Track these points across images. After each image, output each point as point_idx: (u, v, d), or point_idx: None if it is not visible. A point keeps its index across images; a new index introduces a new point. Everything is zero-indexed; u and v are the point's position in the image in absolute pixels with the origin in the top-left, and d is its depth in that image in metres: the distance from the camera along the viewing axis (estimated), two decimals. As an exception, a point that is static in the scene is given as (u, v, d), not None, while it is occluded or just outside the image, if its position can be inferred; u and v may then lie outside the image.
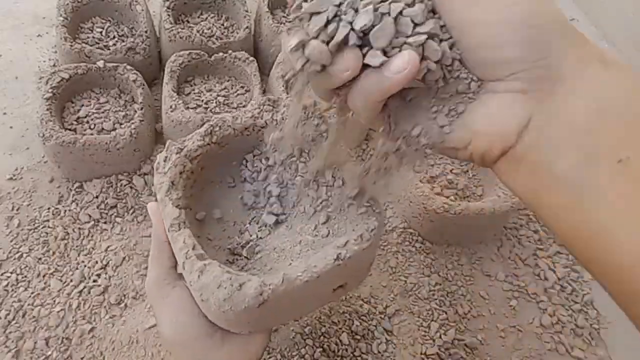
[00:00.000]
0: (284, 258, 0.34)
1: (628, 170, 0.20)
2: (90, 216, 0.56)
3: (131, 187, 0.59)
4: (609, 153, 0.21)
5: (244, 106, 0.64)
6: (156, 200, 0.35)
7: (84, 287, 0.52)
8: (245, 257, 0.35)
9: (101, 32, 0.68)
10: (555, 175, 0.22)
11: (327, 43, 0.22)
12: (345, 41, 0.22)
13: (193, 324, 0.32)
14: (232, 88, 0.67)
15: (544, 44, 0.21)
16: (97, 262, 0.53)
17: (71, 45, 0.62)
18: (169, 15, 0.68)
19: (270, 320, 0.33)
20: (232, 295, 0.28)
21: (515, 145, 0.23)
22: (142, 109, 0.59)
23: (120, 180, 0.59)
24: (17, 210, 0.56)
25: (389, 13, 0.22)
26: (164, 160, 0.35)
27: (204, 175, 0.37)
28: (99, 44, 0.66)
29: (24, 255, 0.53)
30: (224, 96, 0.65)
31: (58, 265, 0.53)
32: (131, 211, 0.58)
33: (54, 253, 0.54)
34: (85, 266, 0.53)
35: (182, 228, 0.32)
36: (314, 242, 0.35)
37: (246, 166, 0.38)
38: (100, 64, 0.61)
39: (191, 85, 0.66)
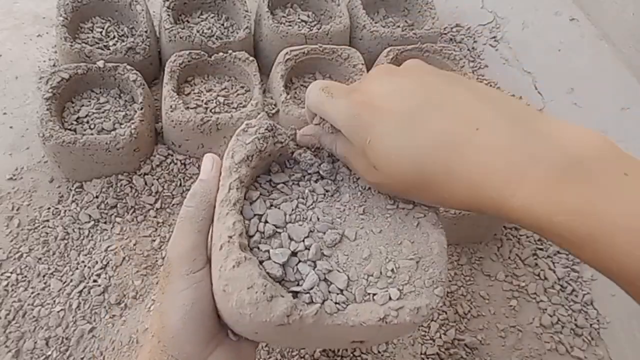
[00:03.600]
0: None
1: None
2: (90, 216, 0.56)
3: (131, 187, 0.59)
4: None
5: (244, 106, 0.64)
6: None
7: (84, 287, 0.52)
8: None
9: (101, 32, 0.68)
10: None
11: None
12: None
13: (203, 322, 0.30)
14: (232, 88, 0.67)
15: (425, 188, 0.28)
16: (97, 262, 0.53)
17: (71, 45, 0.62)
18: (169, 15, 0.68)
19: (276, 339, 0.31)
20: (258, 302, 0.26)
21: None
22: (142, 109, 0.59)
23: (120, 180, 0.59)
24: (17, 210, 0.56)
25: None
26: (249, 128, 0.32)
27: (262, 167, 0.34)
28: (99, 44, 0.66)
29: (24, 255, 0.53)
30: (224, 96, 0.65)
31: (58, 265, 0.53)
32: (131, 211, 0.58)
33: (54, 253, 0.54)
34: (85, 266, 0.53)
35: (236, 208, 0.29)
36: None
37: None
38: (100, 64, 0.61)
39: (191, 85, 0.66)
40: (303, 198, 0.33)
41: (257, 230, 0.30)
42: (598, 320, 0.58)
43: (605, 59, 0.83)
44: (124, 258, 0.54)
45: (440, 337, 0.53)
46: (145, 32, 0.67)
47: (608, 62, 0.83)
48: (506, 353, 0.54)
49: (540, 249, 0.63)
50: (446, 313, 0.55)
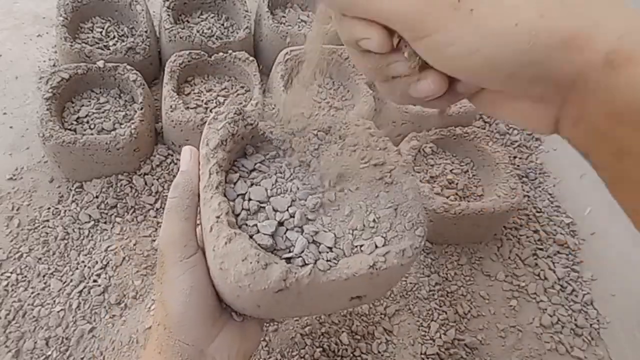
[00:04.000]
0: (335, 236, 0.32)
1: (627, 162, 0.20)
2: (90, 216, 0.56)
3: (131, 187, 0.59)
4: (637, 148, 0.20)
5: (244, 106, 0.64)
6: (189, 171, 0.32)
7: (84, 287, 0.52)
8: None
9: (101, 32, 0.68)
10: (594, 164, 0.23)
11: None
12: None
13: (205, 304, 0.30)
14: (232, 88, 0.67)
15: (523, 75, 0.21)
16: (97, 262, 0.53)
17: (71, 45, 0.62)
18: (169, 15, 0.68)
19: (280, 309, 0.32)
20: (255, 272, 0.27)
21: (555, 132, 0.24)
22: (142, 109, 0.59)
23: (120, 180, 0.59)
24: (17, 210, 0.56)
25: None
26: (219, 115, 0.33)
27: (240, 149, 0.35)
28: (99, 44, 0.66)
29: (24, 255, 0.53)
30: (224, 96, 0.65)
31: (58, 265, 0.53)
32: (131, 211, 0.58)
33: (54, 253, 0.54)
34: (85, 266, 0.53)
35: (219, 190, 0.30)
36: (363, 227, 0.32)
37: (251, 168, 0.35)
38: (100, 64, 0.61)
39: (191, 85, 0.66)
40: (281, 172, 0.34)
41: (243, 209, 0.31)
42: (598, 320, 0.58)
43: (605, 59, 0.83)
44: (124, 258, 0.54)
45: (440, 337, 0.53)
46: (145, 32, 0.67)
47: (608, 62, 0.83)
48: (506, 353, 0.54)
49: (540, 249, 0.63)
50: (446, 313, 0.55)
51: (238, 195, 0.32)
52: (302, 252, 0.30)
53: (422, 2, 0.21)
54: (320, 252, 0.30)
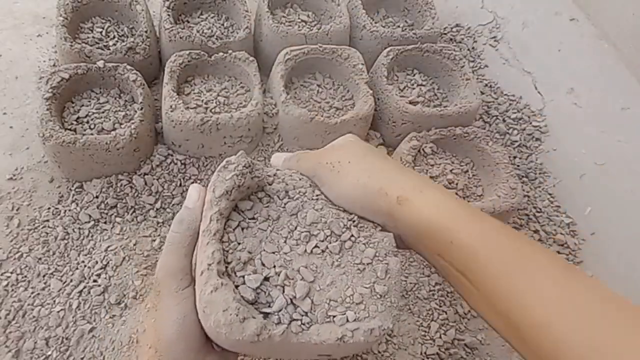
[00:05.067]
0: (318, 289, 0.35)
1: (445, 259, 0.34)
2: (90, 216, 0.56)
3: (131, 187, 0.59)
4: (432, 252, 0.35)
5: (244, 106, 0.64)
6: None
7: (84, 287, 0.52)
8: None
9: (101, 32, 0.68)
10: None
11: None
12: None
13: (193, 333, 0.33)
14: (232, 88, 0.67)
15: (364, 205, 0.37)
16: (97, 262, 0.53)
17: (71, 45, 0.62)
18: (169, 15, 0.68)
19: (252, 352, 0.36)
20: (232, 323, 0.30)
21: None
22: (142, 109, 0.59)
23: (120, 180, 0.59)
24: (17, 210, 0.56)
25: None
26: (229, 165, 0.36)
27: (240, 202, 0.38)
28: (99, 44, 0.66)
29: (24, 255, 0.53)
30: (224, 96, 0.65)
31: (58, 265, 0.53)
32: (131, 211, 0.58)
33: (54, 253, 0.54)
34: (85, 266, 0.53)
35: (216, 238, 0.33)
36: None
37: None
38: (100, 64, 0.61)
39: (191, 85, 0.66)
40: (276, 228, 0.37)
41: (235, 258, 0.34)
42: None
43: (605, 59, 0.83)
44: (124, 258, 0.54)
45: (440, 337, 0.53)
46: (145, 32, 0.67)
47: (608, 62, 0.83)
48: (506, 353, 0.54)
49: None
50: (446, 313, 0.55)
51: (232, 242, 0.35)
52: (280, 311, 0.32)
53: (314, 167, 0.39)
54: (296, 314, 0.33)
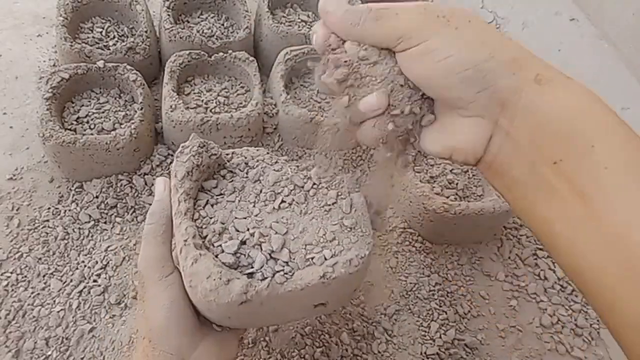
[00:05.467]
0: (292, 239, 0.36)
1: (561, 169, 0.27)
2: (90, 216, 0.56)
3: (131, 187, 0.59)
4: (546, 160, 0.28)
5: (244, 106, 0.64)
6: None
7: (84, 287, 0.52)
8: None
9: (101, 32, 0.68)
10: (513, 178, 0.30)
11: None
12: None
13: (184, 316, 0.34)
14: (232, 88, 0.67)
15: (478, 80, 0.28)
16: (97, 262, 0.53)
17: (71, 45, 0.62)
18: (169, 15, 0.68)
19: (250, 319, 0.36)
20: (218, 287, 0.31)
21: (484, 157, 0.31)
22: (142, 109, 0.59)
23: (120, 180, 0.59)
24: (17, 210, 0.56)
25: None
26: (185, 149, 0.37)
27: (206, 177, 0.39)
28: (99, 44, 0.66)
29: (24, 255, 0.53)
30: (224, 96, 0.65)
31: (58, 265, 0.53)
32: (131, 211, 0.58)
33: (54, 253, 0.54)
34: (85, 266, 0.53)
35: (187, 216, 0.34)
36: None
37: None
38: (100, 64, 0.61)
39: (191, 85, 0.66)
40: (243, 196, 0.38)
41: (210, 231, 0.35)
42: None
43: (605, 59, 0.83)
44: (124, 258, 0.54)
45: (440, 337, 0.53)
46: (145, 32, 0.67)
47: (608, 62, 0.83)
48: (506, 353, 0.54)
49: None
50: (446, 313, 0.55)
51: (204, 218, 0.36)
52: (262, 267, 0.33)
53: (422, 19, 0.29)
54: (277, 267, 0.34)
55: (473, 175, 0.64)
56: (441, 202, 0.56)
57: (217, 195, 0.38)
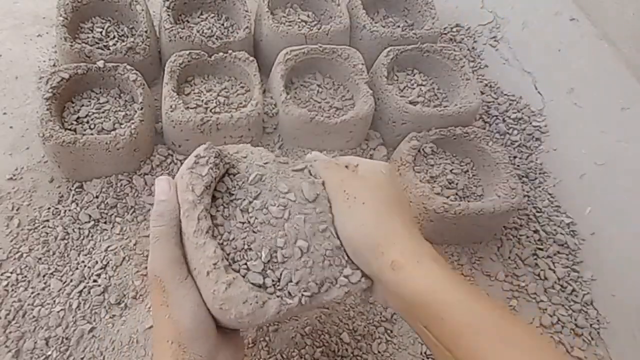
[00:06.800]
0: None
1: (430, 331, 0.33)
2: (90, 216, 0.56)
3: (131, 187, 0.59)
4: (418, 322, 0.34)
5: (244, 106, 0.64)
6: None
7: (84, 287, 0.52)
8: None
9: (101, 32, 0.68)
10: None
11: None
12: None
13: (209, 320, 0.34)
14: (232, 88, 0.67)
15: (358, 255, 0.36)
16: (97, 262, 0.53)
17: (71, 45, 0.62)
18: (169, 15, 0.68)
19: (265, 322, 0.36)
20: (254, 311, 0.33)
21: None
22: (142, 109, 0.59)
23: (120, 180, 0.59)
24: (17, 210, 0.56)
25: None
26: (200, 159, 0.36)
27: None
28: (99, 44, 0.66)
29: (24, 255, 0.53)
30: (224, 96, 0.65)
31: (58, 265, 0.53)
32: (131, 211, 0.58)
33: (54, 253, 0.54)
34: (85, 266, 0.53)
35: (209, 234, 0.34)
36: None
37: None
38: (100, 64, 0.61)
39: (191, 85, 0.66)
40: (256, 205, 0.37)
41: (232, 248, 0.35)
42: (598, 320, 0.58)
43: (605, 59, 0.83)
44: (124, 258, 0.54)
45: (440, 337, 0.53)
46: (145, 32, 0.67)
47: (608, 62, 0.83)
48: (506, 353, 0.54)
49: (540, 249, 0.63)
50: (446, 313, 0.55)
51: (222, 235, 0.35)
52: (287, 285, 0.35)
53: (335, 187, 0.39)
54: (302, 284, 0.35)
55: (473, 176, 0.64)
56: (441, 202, 0.56)
57: (227, 204, 0.37)
